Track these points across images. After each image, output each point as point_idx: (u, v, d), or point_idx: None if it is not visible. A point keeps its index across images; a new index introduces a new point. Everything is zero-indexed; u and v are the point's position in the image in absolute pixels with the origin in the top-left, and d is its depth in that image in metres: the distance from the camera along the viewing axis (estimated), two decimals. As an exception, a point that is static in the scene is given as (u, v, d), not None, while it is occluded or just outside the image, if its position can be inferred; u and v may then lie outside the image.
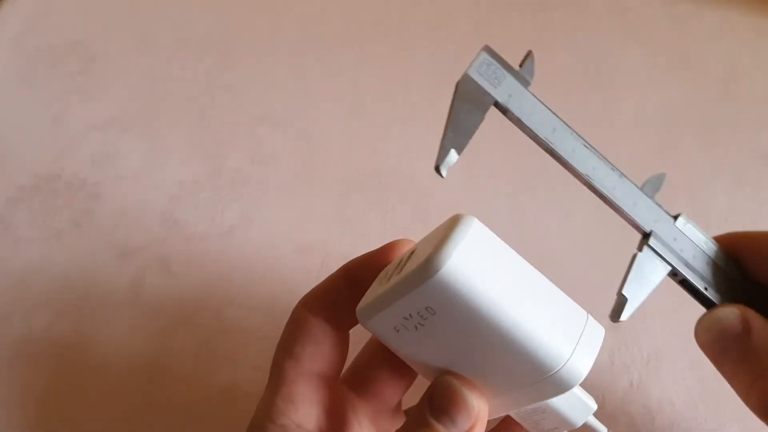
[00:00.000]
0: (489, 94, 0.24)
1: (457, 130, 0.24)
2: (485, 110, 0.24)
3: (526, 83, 0.25)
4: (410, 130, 0.50)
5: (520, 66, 0.26)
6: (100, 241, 0.44)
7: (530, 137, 0.25)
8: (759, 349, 0.22)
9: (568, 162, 0.25)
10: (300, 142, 0.49)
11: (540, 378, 0.20)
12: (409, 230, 0.44)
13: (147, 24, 0.57)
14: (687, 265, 0.25)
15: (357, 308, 0.23)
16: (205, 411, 0.37)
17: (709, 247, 0.25)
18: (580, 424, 0.24)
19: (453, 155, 0.23)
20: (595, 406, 0.24)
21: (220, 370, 0.38)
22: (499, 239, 0.22)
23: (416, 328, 0.21)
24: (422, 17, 0.58)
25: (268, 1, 0.59)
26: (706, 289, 0.25)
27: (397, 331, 0.22)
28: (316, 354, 0.24)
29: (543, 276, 0.22)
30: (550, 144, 0.25)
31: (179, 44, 0.56)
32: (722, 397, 0.37)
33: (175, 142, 0.49)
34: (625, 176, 0.25)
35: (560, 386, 0.21)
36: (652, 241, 0.24)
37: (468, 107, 0.24)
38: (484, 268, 0.20)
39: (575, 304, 0.22)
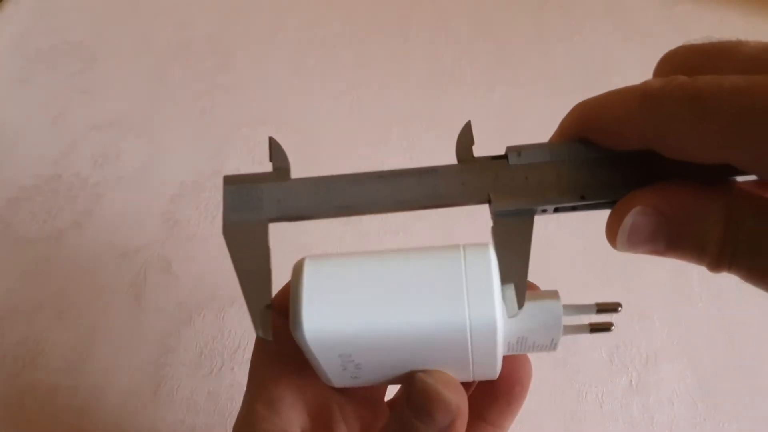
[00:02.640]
0: (258, 220, 0.21)
1: (255, 286, 0.21)
2: (265, 237, 0.21)
3: (286, 175, 0.22)
4: (411, 131, 0.50)
5: (271, 159, 0.23)
6: (101, 241, 0.44)
7: (324, 218, 0.22)
8: (685, 226, 0.19)
9: (377, 208, 0.22)
10: (300, 143, 0.49)
11: (468, 342, 0.20)
12: (408, 229, 0.44)
13: (148, 24, 0.57)
14: (548, 189, 0.21)
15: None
16: (206, 410, 0.37)
17: (561, 152, 0.22)
18: (562, 321, 0.22)
19: (267, 312, 0.20)
20: (558, 299, 0.23)
21: (221, 370, 0.39)
22: (334, 258, 0.21)
23: (358, 367, 0.22)
24: (422, 18, 0.58)
25: (269, 3, 0.59)
26: (583, 198, 0.21)
27: (355, 377, 0.22)
28: (294, 356, 0.23)
29: (396, 254, 0.21)
30: (349, 208, 0.21)
31: (180, 45, 0.56)
32: (721, 396, 0.37)
33: (175, 142, 0.49)
34: (435, 167, 0.22)
35: (487, 334, 0.20)
36: (496, 205, 0.21)
37: (247, 252, 0.21)
38: (337, 302, 0.20)
39: (444, 251, 0.21)
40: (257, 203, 0.21)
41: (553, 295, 0.23)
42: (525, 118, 0.50)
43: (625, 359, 0.38)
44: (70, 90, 0.53)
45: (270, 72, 0.54)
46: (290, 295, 0.21)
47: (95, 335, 0.40)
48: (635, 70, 0.53)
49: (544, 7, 0.58)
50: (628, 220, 0.20)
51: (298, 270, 0.21)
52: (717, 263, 0.19)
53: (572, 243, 0.43)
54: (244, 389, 0.25)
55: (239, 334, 0.40)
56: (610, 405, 0.37)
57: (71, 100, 0.52)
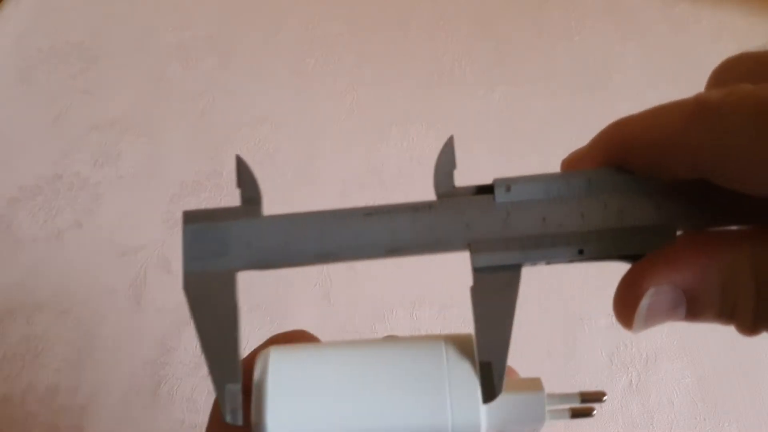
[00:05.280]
0: (225, 270, 0.17)
1: (222, 359, 0.17)
2: (233, 293, 0.17)
3: (257, 210, 0.18)
4: (410, 130, 0.50)
5: (239, 185, 0.18)
6: (101, 241, 0.44)
7: (302, 266, 0.18)
8: (708, 296, 0.16)
9: (361, 254, 0.18)
10: (300, 142, 0.49)
11: None
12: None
13: (148, 24, 0.57)
14: (540, 238, 0.17)
15: None
16: (206, 410, 0.37)
17: (558, 187, 0.18)
18: (545, 416, 0.20)
19: (236, 392, 0.17)
20: (542, 389, 0.20)
21: (220, 370, 0.39)
22: (302, 350, 0.19)
23: None
24: (422, 18, 0.58)
25: (269, 3, 0.59)
26: (581, 252, 0.17)
27: None
28: None
29: (371, 348, 0.19)
30: (333, 255, 0.18)
31: (180, 45, 0.56)
32: (721, 396, 0.37)
33: (176, 142, 0.49)
34: (426, 204, 0.18)
35: None
36: (476, 258, 0.17)
37: (212, 313, 0.17)
38: (305, 402, 0.18)
39: (423, 346, 0.18)
40: (223, 249, 0.18)
41: (536, 384, 0.20)
42: (525, 117, 0.50)
43: (625, 359, 0.38)
44: (71, 90, 0.53)
45: (270, 72, 0.54)
46: (253, 391, 0.18)
47: (95, 335, 0.40)
48: (635, 69, 0.53)
49: (543, 6, 0.58)
50: (644, 304, 0.17)
51: (263, 364, 0.18)
52: (752, 329, 0.16)
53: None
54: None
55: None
56: (610, 405, 0.37)
57: (72, 100, 0.52)
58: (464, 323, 0.39)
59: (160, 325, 0.40)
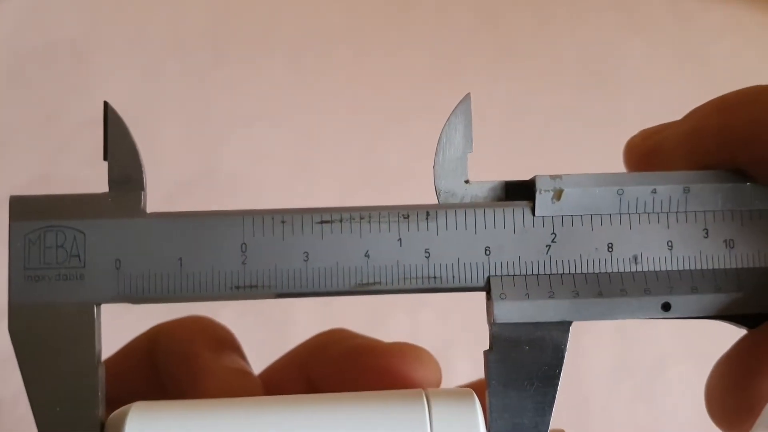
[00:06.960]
0: (80, 306, 0.12)
1: None
2: (91, 342, 0.12)
3: (134, 204, 0.12)
4: (411, 127, 0.49)
5: (106, 156, 0.12)
6: (94, 242, 0.44)
7: (208, 300, 0.12)
8: None
9: (307, 287, 0.12)
10: (298, 141, 0.48)
11: None
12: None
13: (140, 20, 0.57)
14: (603, 286, 0.11)
15: None
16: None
17: (629, 193, 0.11)
18: None
19: None
20: None
21: (215, 374, 0.38)
22: (169, 412, 0.13)
23: None
24: (422, 12, 0.58)
25: (266, -4, 0.59)
26: (666, 307, 0.12)
27: None
28: None
29: (297, 406, 0.13)
30: (257, 288, 0.12)
31: (174, 40, 0.55)
32: (730, 402, 0.36)
33: (170, 140, 0.49)
34: (422, 209, 0.12)
35: None
36: (504, 307, 0.11)
37: (57, 378, 0.12)
38: None
39: (392, 405, 0.13)
40: (77, 265, 0.12)
41: None
42: (530, 112, 0.50)
43: (631, 364, 0.38)
44: (63, 88, 0.52)
45: (266, 67, 0.53)
46: None
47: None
48: (640, 65, 0.53)
49: (546, 1, 0.58)
50: None
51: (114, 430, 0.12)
52: None
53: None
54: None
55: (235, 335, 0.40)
56: (616, 412, 0.36)
57: (64, 98, 0.52)
58: (467, 327, 0.38)
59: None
